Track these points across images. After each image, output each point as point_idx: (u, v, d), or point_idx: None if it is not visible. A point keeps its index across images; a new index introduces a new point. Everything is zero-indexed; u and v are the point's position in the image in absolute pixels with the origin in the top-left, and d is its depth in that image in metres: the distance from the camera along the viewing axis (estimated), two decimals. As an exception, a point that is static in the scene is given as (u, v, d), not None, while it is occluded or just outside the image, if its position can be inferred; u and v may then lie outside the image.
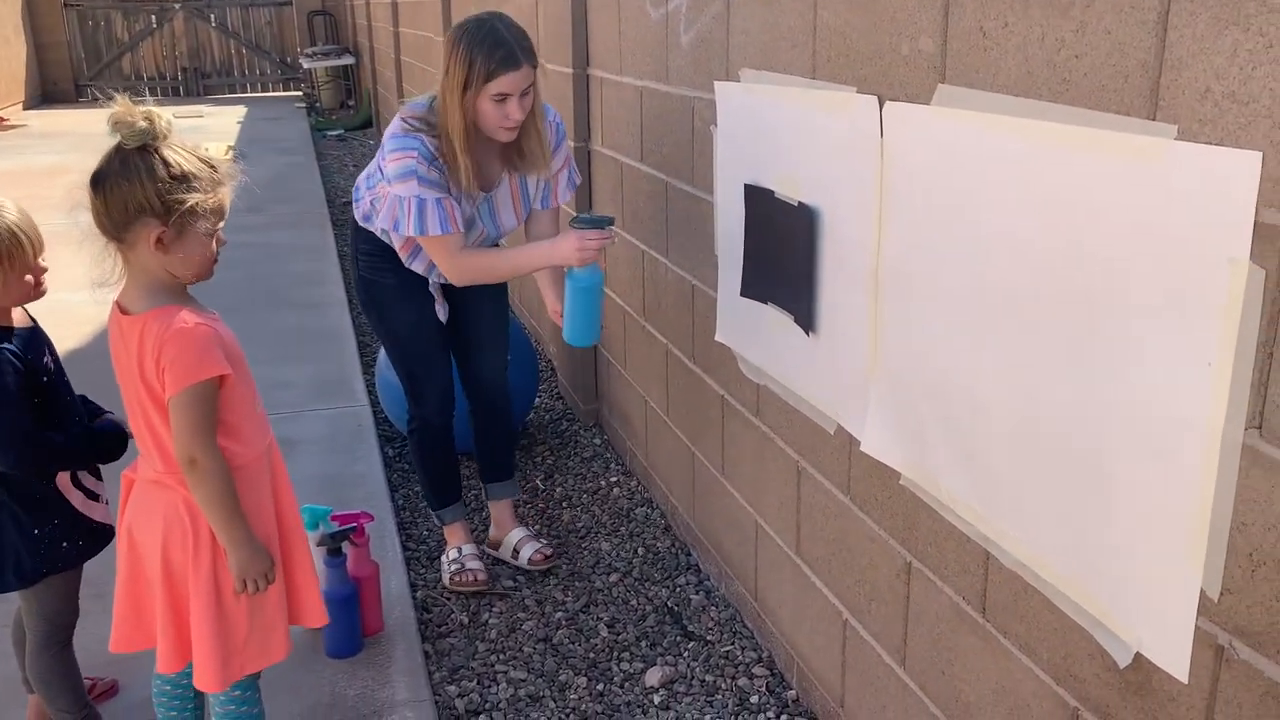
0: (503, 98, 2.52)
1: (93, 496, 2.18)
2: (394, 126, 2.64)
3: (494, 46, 2.48)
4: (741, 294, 2.52)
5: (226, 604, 1.92)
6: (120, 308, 1.88)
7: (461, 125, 2.54)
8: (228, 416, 1.89)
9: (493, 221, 2.81)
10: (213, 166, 1.86)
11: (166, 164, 1.79)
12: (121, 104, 1.78)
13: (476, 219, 2.76)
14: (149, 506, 1.93)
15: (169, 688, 2.10)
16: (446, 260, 2.67)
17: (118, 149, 1.80)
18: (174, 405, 1.81)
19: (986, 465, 1.68)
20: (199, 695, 2.12)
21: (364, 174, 2.84)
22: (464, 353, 3.05)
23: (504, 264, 2.78)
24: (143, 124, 1.77)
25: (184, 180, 1.79)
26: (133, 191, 1.77)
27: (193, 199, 1.80)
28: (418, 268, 2.84)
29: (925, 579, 1.95)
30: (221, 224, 1.90)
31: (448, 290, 2.94)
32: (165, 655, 1.95)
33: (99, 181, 1.79)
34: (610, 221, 2.60)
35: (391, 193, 2.60)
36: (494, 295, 3.00)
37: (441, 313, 2.91)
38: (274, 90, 17.17)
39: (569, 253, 2.57)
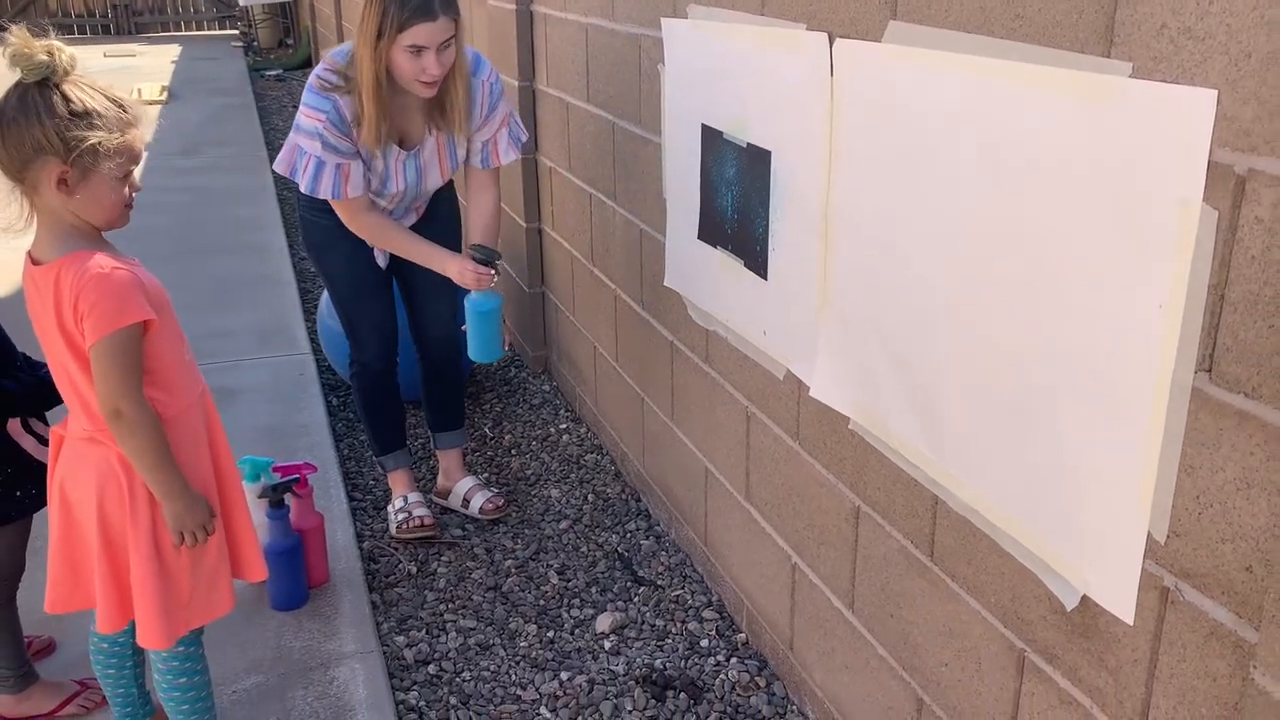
0: (418, 50, 2.42)
1: (45, 442, 2.11)
2: (311, 78, 2.57)
3: None
4: (698, 237, 2.48)
5: (167, 560, 1.87)
6: (31, 258, 1.79)
7: (373, 77, 2.45)
8: (155, 365, 1.81)
9: (417, 180, 2.73)
10: (121, 105, 1.76)
11: (67, 100, 1.69)
12: (19, 37, 1.67)
13: (396, 177, 2.68)
14: (81, 464, 1.86)
15: (107, 645, 2.05)
16: (347, 216, 2.67)
17: (16, 85, 1.70)
18: (95, 354, 1.73)
19: (936, 409, 1.67)
20: (138, 652, 2.08)
21: None
22: (411, 301, 2.99)
23: (402, 244, 2.72)
24: (42, 57, 1.67)
25: (85, 117, 1.70)
26: (30, 129, 1.67)
27: (95, 137, 1.70)
28: None
29: (874, 523, 1.95)
30: (134, 167, 1.80)
31: None
32: (106, 615, 1.89)
33: None
34: (497, 256, 2.64)
35: (296, 142, 2.59)
36: (442, 243, 2.92)
37: (380, 259, 2.84)
38: (209, 29, 16.61)
39: (453, 272, 2.62)
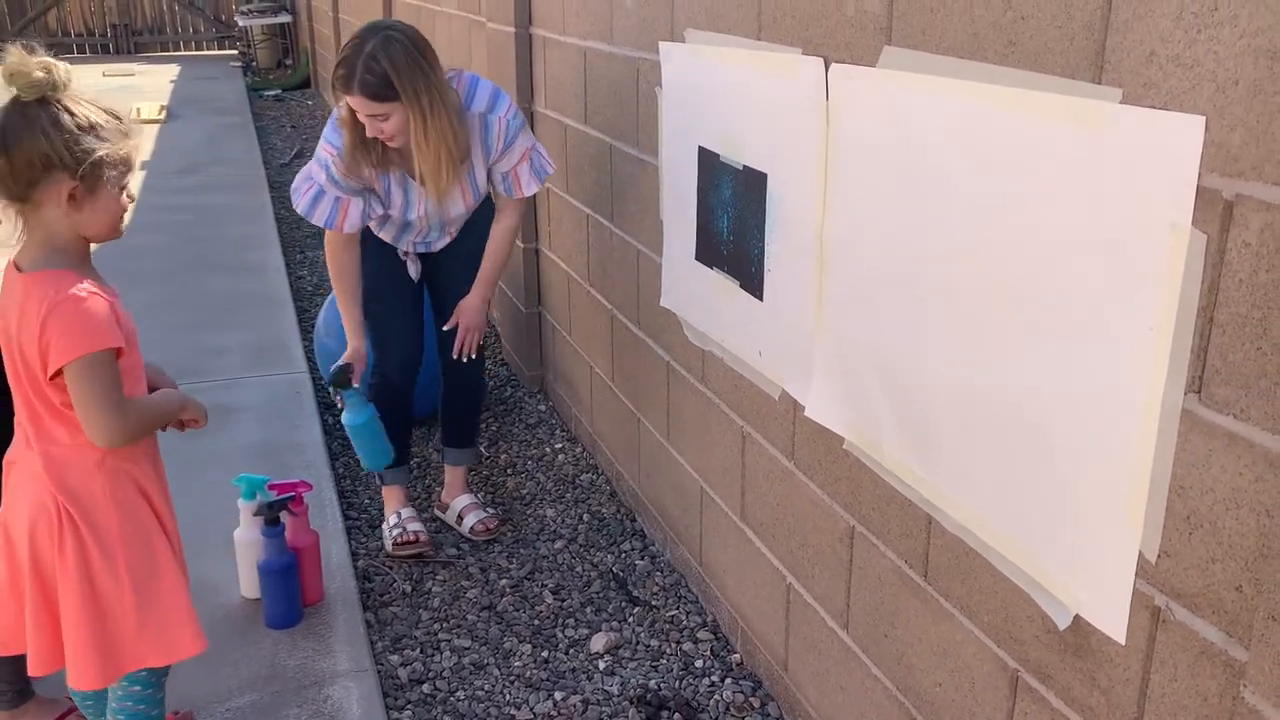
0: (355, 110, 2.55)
1: None
2: (334, 112, 2.69)
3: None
4: (695, 259, 2.50)
5: (105, 594, 1.79)
6: (15, 265, 1.76)
7: (348, 110, 2.57)
8: None
9: (439, 212, 2.81)
10: (117, 116, 1.77)
11: (71, 114, 1.69)
12: (15, 55, 1.66)
13: (419, 204, 2.76)
14: (19, 497, 1.81)
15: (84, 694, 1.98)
16: (331, 247, 2.79)
17: (14, 102, 1.69)
18: (71, 378, 1.69)
19: (930, 429, 1.69)
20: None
21: None
22: (441, 318, 3.02)
23: (346, 302, 2.82)
24: (40, 74, 1.66)
25: (91, 130, 1.70)
26: (38, 145, 1.66)
27: (102, 149, 1.70)
28: (385, 236, 2.89)
29: (868, 543, 1.96)
30: (129, 177, 1.80)
31: (425, 254, 2.97)
32: (37, 657, 1.82)
33: None
34: (349, 376, 2.77)
35: (313, 163, 2.71)
36: (470, 262, 2.95)
37: (412, 271, 2.93)
38: (208, 49, 16.68)
39: (347, 352, 2.79)
